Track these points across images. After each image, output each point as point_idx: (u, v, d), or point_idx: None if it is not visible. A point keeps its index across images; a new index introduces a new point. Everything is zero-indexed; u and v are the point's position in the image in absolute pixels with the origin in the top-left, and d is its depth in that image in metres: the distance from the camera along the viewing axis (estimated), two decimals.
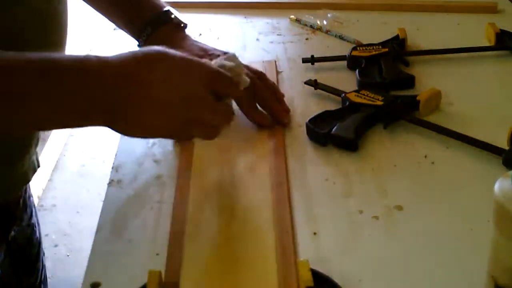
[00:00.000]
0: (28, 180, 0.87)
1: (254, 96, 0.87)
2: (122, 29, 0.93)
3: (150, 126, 0.69)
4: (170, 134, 0.75)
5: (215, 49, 0.89)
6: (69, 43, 0.82)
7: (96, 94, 0.64)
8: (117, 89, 0.65)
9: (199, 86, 0.69)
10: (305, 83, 0.97)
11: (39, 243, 0.98)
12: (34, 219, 0.96)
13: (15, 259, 0.90)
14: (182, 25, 0.91)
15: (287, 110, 0.90)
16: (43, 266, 1.00)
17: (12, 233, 0.89)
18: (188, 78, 0.69)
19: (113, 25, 0.95)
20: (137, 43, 0.91)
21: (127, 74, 0.66)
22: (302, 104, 0.94)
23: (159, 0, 0.92)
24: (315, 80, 0.96)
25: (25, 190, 0.92)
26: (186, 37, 0.91)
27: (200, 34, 1.15)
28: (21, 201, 0.91)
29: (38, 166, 0.90)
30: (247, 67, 0.90)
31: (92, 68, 0.64)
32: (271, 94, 0.89)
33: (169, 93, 0.67)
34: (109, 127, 0.67)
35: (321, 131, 0.85)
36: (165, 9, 0.91)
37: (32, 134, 0.83)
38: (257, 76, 0.89)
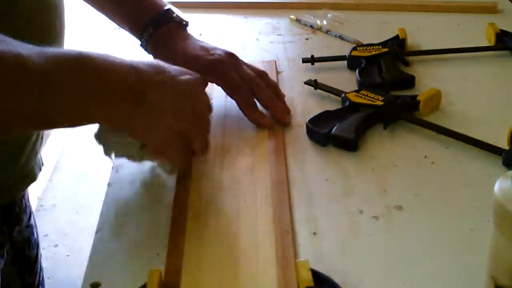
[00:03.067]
0: (35, 178, 0.88)
1: (254, 95, 0.87)
2: (124, 29, 0.93)
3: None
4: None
5: (216, 48, 0.89)
6: (69, 43, 0.82)
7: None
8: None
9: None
10: (305, 83, 0.97)
11: (37, 244, 0.98)
12: (32, 220, 0.96)
13: (15, 260, 0.90)
14: (184, 23, 0.91)
15: (288, 111, 0.90)
16: (41, 268, 1.00)
17: (14, 233, 0.89)
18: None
19: (114, 25, 0.95)
20: (139, 42, 0.91)
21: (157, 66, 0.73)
22: (302, 104, 0.94)
23: (157, 0, 0.92)
24: (315, 80, 0.96)
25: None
26: (188, 35, 0.91)
27: (200, 34, 1.15)
28: (23, 201, 0.92)
29: (42, 165, 0.90)
30: (248, 66, 0.90)
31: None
32: (272, 94, 0.89)
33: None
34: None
35: (321, 131, 0.85)
36: (166, 7, 0.91)
37: (38, 131, 0.83)
38: (258, 75, 0.89)
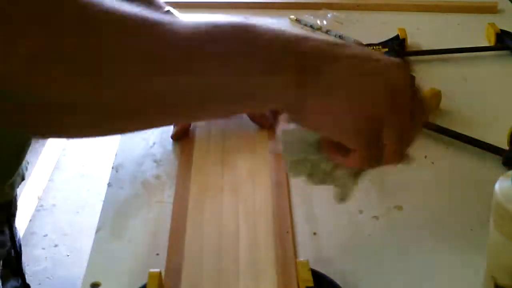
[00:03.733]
0: (24, 177, 0.88)
1: None
2: None
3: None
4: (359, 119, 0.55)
5: None
6: None
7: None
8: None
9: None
10: None
11: (20, 246, 0.97)
12: (15, 223, 0.96)
13: (5, 260, 0.90)
14: None
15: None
16: (24, 271, 0.99)
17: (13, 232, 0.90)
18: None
19: None
20: None
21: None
22: None
23: (160, 1, 0.92)
24: None
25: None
26: None
27: None
28: (16, 200, 0.92)
29: (28, 163, 0.90)
30: None
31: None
32: None
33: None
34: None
35: None
36: (166, 9, 0.91)
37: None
38: None
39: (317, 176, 0.62)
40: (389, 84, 0.55)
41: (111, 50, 0.47)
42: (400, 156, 0.59)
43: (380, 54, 0.58)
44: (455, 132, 0.84)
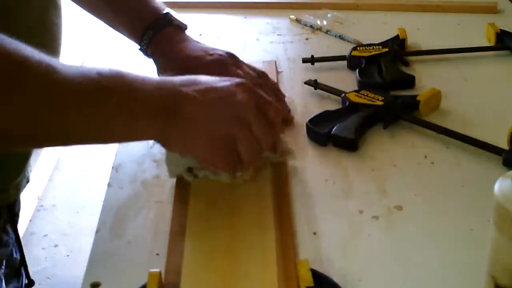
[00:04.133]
0: (29, 179, 0.88)
1: None
2: (122, 34, 0.93)
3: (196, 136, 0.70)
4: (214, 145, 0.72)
5: (215, 49, 0.89)
6: (68, 44, 0.82)
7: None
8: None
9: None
10: (305, 83, 0.97)
11: (21, 248, 0.97)
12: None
13: (7, 261, 0.90)
14: (183, 26, 0.92)
15: (288, 110, 0.90)
16: (26, 272, 0.99)
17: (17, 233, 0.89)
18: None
19: (111, 31, 0.95)
20: (138, 47, 0.92)
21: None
22: (302, 104, 0.94)
23: (158, 3, 0.93)
24: (315, 80, 0.96)
25: None
26: (187, 38, 0.92)
27: (200, 34, 1.15)
28: (20, 201, 0.92)
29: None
30: (248, 66, 0.90)
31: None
32: (272, 94, 0.89)
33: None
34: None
35: (321, 131, 0.85)
36: (165, 11, 0.91)
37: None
38: (259, 75, 0.89)
39: (195, 174, 0.78)
40: (233, 107, 0.70)
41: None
42: (258, 158, 0.74)
43: (226, 80, 0.72)
44: (455, 132, 0.84)
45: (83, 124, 0.63)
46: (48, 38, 0.77)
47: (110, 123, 0.65)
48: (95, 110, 0.63)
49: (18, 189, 0.85)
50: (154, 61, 0.91)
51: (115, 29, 0.94)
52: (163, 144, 0.71)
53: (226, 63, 0.87)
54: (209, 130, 0.69)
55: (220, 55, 0.88)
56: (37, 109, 0.60)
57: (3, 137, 0.60)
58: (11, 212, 0.87)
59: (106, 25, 0.94)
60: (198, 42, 0.92)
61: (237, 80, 0.73)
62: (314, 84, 0.97)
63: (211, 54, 0.88)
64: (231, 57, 0.89)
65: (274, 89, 0.90)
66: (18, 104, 0.58)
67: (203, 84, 0.71)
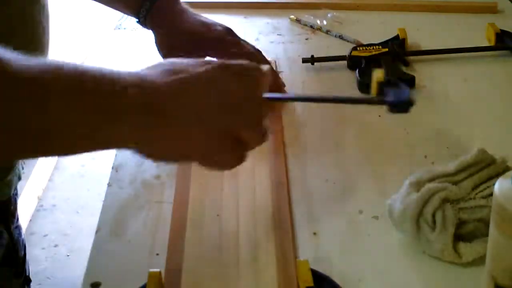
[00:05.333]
0: (21, 177, 0.87)
1: None
2: (119, 9, 0.94)
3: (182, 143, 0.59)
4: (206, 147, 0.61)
5: (215, 24, 0.92)
6: (68, 44, 0.82)
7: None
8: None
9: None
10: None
11: (24, 246, 0.97)
12: (19, 222, 0.96)
13: (6, 260, 0.90)
14: None
15: (282, 84, 0.94)
16: (28, 270, 0.99)
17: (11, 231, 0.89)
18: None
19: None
20: (136, 19, 0.92)
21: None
22: (302, 104, 0.94)
23: None
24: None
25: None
26: (185, 9, 0.93)
27: None
28: (15, 199, 0.91)
29: (24, 162, 0.89)
30: (244, 41, 0.94)
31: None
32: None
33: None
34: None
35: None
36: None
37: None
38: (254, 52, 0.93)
39: None
40: (223, 95, 0.59)
41: None
42: (263, 138, 0.63)
43: (207, 65, 0.60)
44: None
45: (48, 123, 0.52)
46: (32, 37, 0.76)
47: (74, 127, 0.53)
48: (56, 104, 0.51)
49: (10, 187, 0.84)
50: (153, 32, 0.92)
51: (110, 6, 0.94)
52: (146, 154, 0.59)
53: (227, 42, 0.91)
54: (205, 125, 0.59)
55: (221, 31, 0.91)
56: None
57: None
58: (4, 212, 0.86)
59: (101, 5, 0.94)
60: (196, 14, 0.93)
61: (218, 62, 0.62)
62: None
63: (213, 30, 0.90)
64: (230, 33, 0.92)
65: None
66: None
67: (183, 72, 0.59)
